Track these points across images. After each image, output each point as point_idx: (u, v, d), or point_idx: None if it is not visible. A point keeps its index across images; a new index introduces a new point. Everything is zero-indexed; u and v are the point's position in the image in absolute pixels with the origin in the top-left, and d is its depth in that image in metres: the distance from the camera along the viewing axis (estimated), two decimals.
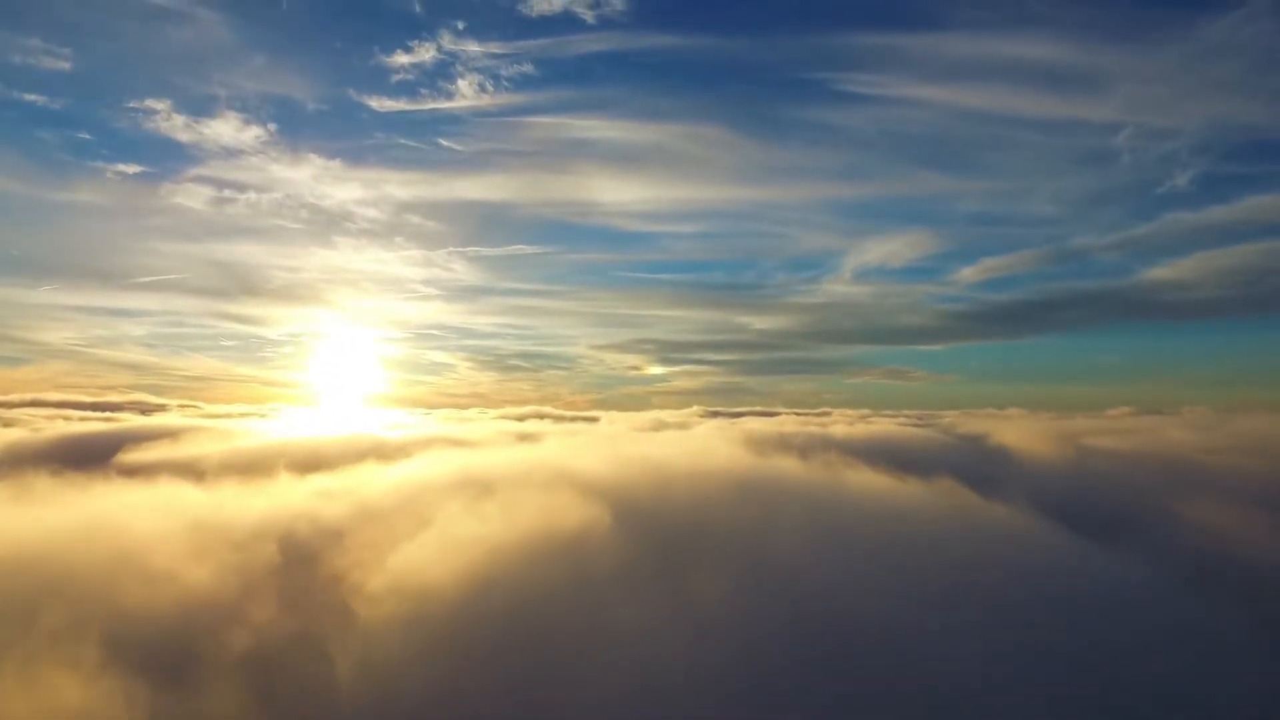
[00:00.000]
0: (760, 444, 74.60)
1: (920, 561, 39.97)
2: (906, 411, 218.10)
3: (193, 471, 65.34)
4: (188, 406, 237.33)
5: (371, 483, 49.98)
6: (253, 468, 62.12)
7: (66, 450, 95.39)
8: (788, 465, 57.50)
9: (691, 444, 76.50)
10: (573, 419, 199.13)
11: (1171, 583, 40.59)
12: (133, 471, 71.39)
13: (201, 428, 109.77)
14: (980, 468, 72.69)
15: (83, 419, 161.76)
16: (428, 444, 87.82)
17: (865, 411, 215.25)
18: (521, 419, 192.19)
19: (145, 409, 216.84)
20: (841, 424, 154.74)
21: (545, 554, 29.86)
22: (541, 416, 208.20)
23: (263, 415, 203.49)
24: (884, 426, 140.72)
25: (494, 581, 26.54)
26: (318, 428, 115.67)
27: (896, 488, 52.14)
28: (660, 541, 33.96)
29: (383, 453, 73.83)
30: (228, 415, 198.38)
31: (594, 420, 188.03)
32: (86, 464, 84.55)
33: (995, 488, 57.96)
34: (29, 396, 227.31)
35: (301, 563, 29.67)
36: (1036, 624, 30.47)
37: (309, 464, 62.45)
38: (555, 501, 38.43)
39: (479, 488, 43.37)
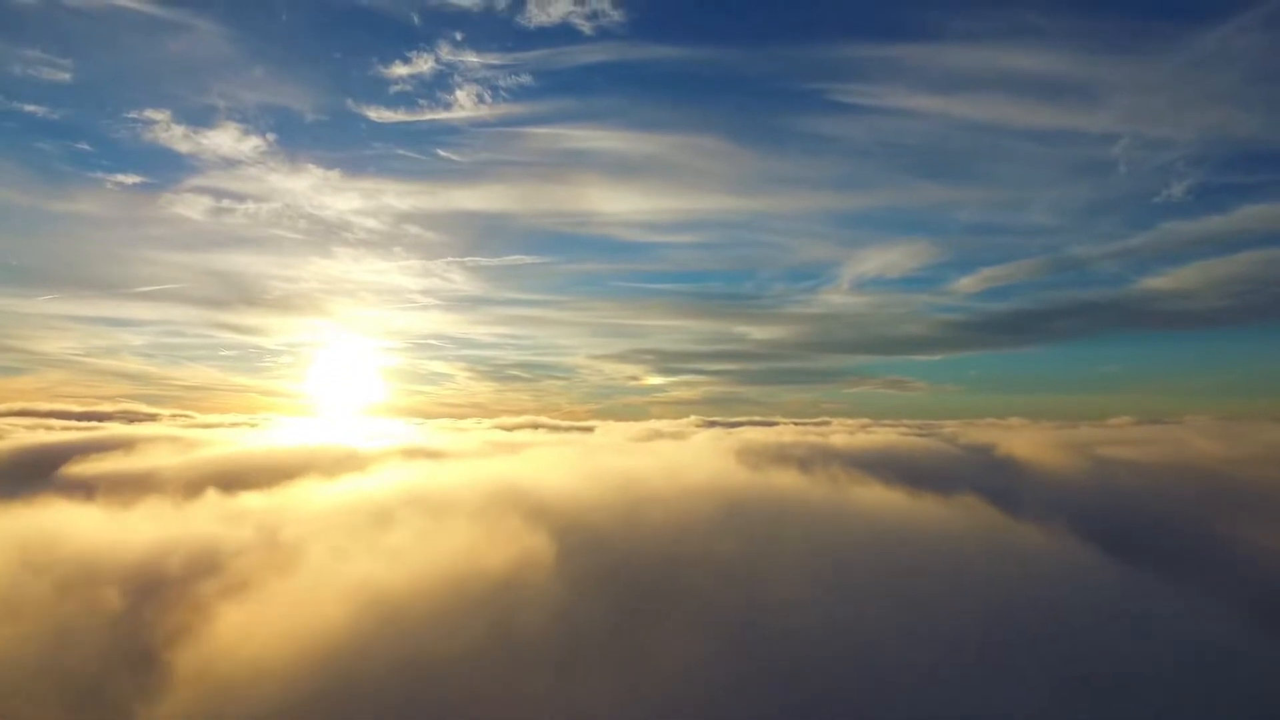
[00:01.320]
0: (757, 455, 66.50)
1: (946, 594, 32.46)
2: (906, 421, 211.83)
3: (123, 487, 57.68)
4: (180, 416, 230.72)
5: (301, 502, 42.06)
6: (187, 483, 54.35)
7: (17, 462, 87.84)
8: (786, 480, 49.41)
9: (682, 456, 68.46)
10: (568, 429, 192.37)
11: (1229, 613, 33.52)
12: (68, 486, 64.09)
13: (173, 438, 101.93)
14: (998, 481, 64.46)
15: (65, 428, 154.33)
16: (399, 456, 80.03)
17: (865, 421, 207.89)
18: (516, 429, 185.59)
19: (135, 418, 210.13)
20: (841, 433, 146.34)
21: (460, 601, 21.95)
22: (536, 426, 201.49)
23: (252, 425, 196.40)
24: (887, 436, 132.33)
25: (368, 644, 18.66)
26: (295, 439, 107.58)
27: (911, 505, 44.09)
28: (623, 579, 26.04)
29: (343, 466, 65.84)
30: (217, 425, 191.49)
31: (589, 430, 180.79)
32: (31, 477, 77.13)
33: (1019, 504, 49.99)
34: (18, 406, 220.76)
35: (132, 615, 21.79)
36: (1084, 665, 25.58)
37: (255, 478, 54.65)
38: (501, 527, 30.46)
39: (419, 509, 35.42)
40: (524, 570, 24.76)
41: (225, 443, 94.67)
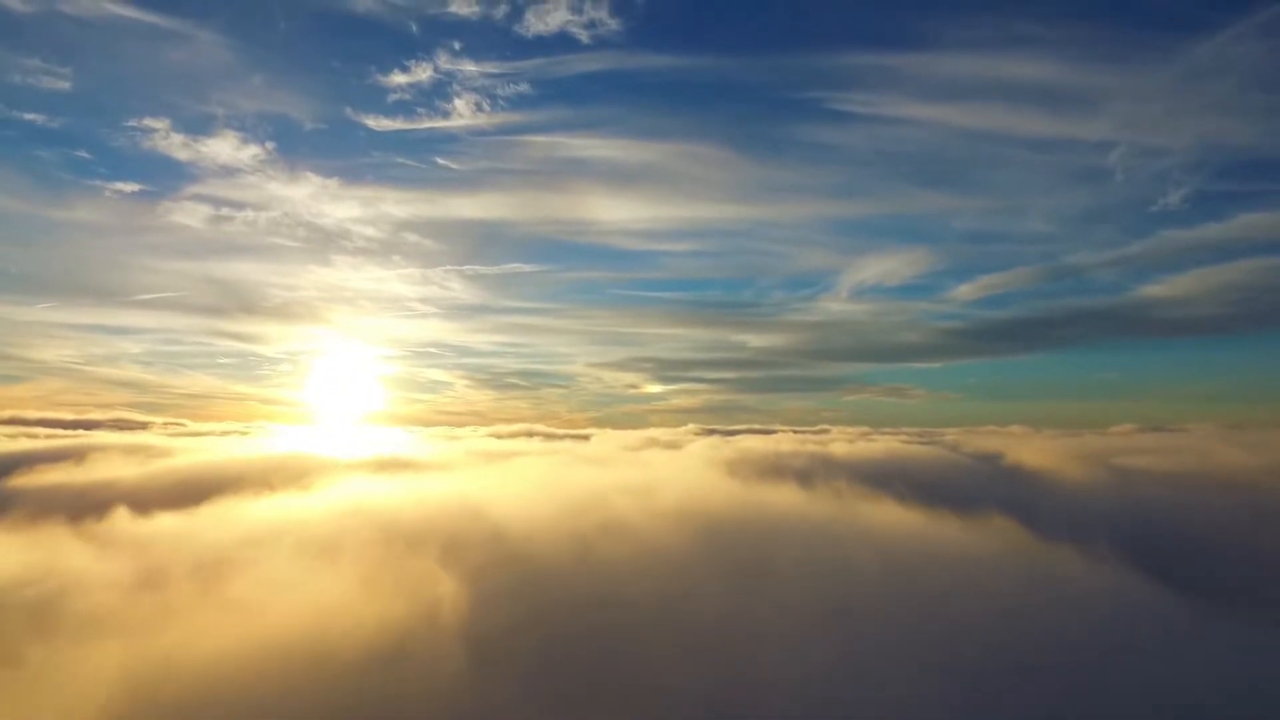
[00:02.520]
0: (750, 467, 59.29)
1: (980, 635, 25.91)
2: (906, 429, 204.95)
3: (41, 503, 51.06)
4: (173, 425, 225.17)
5: (208, 526, 35.25)
6: (105, 501, 47.62)
7: None
8: (782, 497, 42.31)
9: (667, 469, 61.25)
10: (563, 437, 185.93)
11: None
12: None
13: (138, 448, 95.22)
14: (1019, 495, 57.16)
15: (49, 436, 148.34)
16: (364, 469, 73.28)
17: (865, 429, 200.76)
18: (511, 437, 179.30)
19: (125, 427, 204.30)
20: (842, 442, 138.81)
21: (303, 679, 15.14)
22: (531, 434, 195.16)
23: (243, 434, 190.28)
24: (890, 444, 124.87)
25: None
26: (267, 449, 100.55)
27: (928, 525, 37.03)
28: (554, 640, 19.17)
29: (294, 480, 58.96)
30: (207, 434, 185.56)
31: (584, 439, 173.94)
32: None
33: (1047, 522, 42.87)
34: (9, 414, 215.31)
35: None
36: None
37: (189, 494, 47.99)
38: (415, 564, 23.57)
39: (330, 539, 28.61)
40: (418, 629, 17.93)
41: (193, 453, 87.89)
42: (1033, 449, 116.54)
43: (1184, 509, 60.83)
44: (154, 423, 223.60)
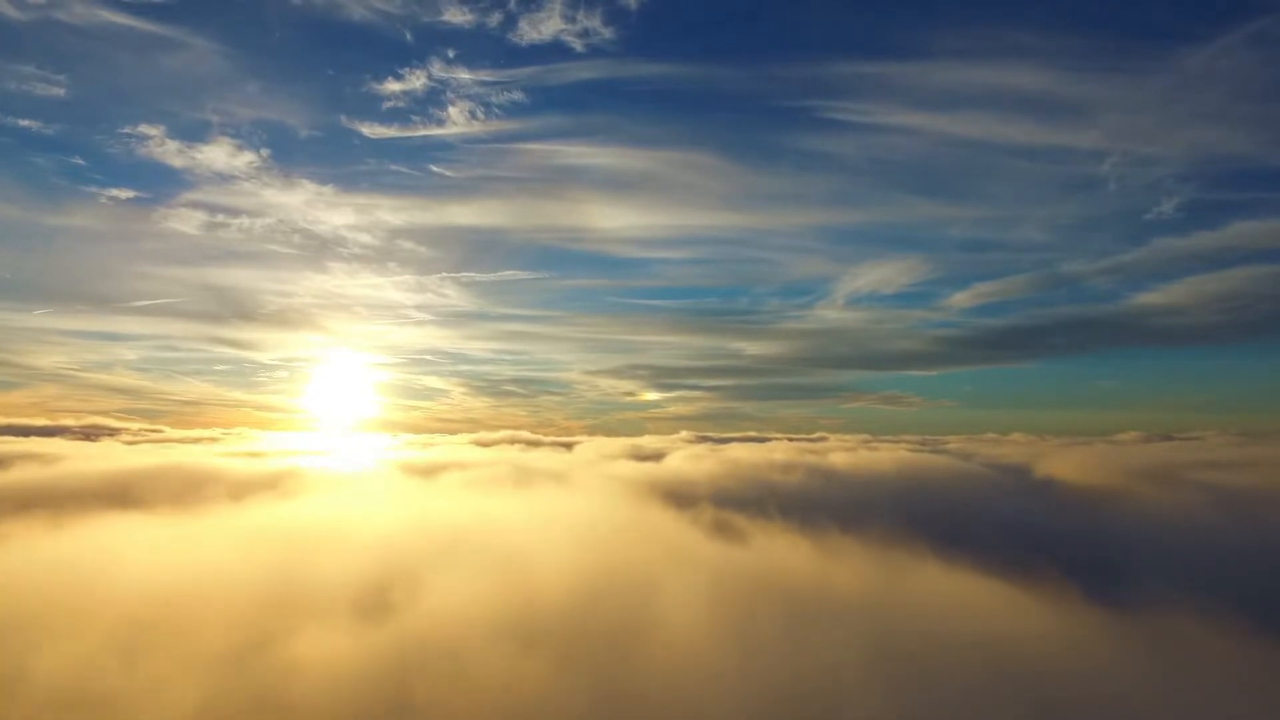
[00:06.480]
0: (725, 484, 40.09)
1: None
2: (905, 437, 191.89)
3: None
4: (151, 431, 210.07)
5: None
6: None
7: None
8: (767, 547, 23.34)
9: (586, 501, 42.36)
10: (546, 445, 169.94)
11: None
12: None
13: (48, 456, 77.26)
14: (1131, 538, 37.24)
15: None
16: (262, 484, 55.20)
17: (865, 437, 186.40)
18: (493, 445, 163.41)
19: (95, 434, 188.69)
20: (841, 450, 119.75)
21: None
22: (514, 442, 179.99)
23: (214, 440, 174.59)
24: (898, 454, 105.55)
25: None
26: (153, 461, 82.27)
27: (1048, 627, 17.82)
28: None
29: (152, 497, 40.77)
30: (180, 440, 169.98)
31: (567, 446, 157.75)
32: None
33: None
34: None
35: None
36: None
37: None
38: None
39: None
40: None
41: (61, 462, 69.68)
42: (1063, 461, 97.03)
43: None
44: (128, 429, 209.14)
